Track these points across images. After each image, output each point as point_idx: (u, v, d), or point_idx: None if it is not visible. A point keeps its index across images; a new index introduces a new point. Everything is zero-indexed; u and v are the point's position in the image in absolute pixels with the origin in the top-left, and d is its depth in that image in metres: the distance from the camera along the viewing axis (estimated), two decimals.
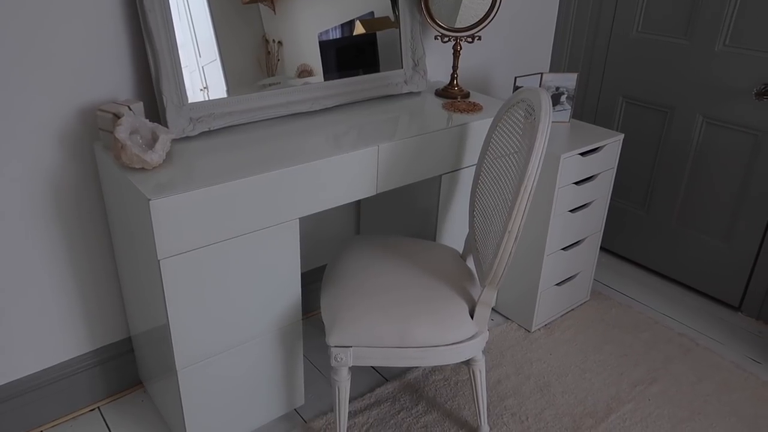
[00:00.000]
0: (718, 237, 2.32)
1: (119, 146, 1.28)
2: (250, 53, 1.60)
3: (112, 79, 1.50)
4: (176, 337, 1.38)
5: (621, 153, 2.56)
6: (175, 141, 1.49)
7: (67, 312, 1.64)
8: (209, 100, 1.53)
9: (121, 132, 1.28)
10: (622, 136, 2.08)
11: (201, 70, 1.52)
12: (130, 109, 1.38)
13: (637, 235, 2.59)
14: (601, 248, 2.76)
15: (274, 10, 1.62)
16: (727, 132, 2.20)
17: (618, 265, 2.64)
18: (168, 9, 1.43)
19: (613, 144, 2.05)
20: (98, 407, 1.77)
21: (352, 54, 1.80)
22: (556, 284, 2.15)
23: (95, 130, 1.52)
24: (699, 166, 2.32)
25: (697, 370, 2.00)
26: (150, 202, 1.20)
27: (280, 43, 1.65)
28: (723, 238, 2.31)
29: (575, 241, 2.13)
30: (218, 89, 1.55)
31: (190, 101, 1.49)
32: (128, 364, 1.80)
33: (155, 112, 1.58)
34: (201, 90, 1.52)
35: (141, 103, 1.43)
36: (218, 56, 1.54)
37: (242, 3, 1.56)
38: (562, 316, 2.26)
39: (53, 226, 1.53)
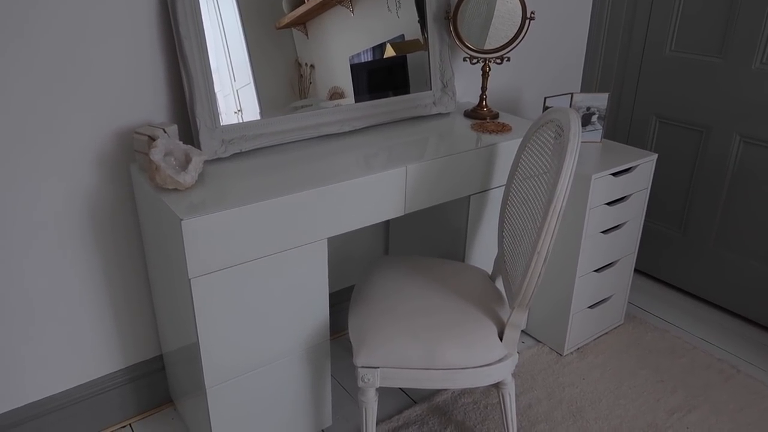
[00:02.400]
0: (758, 258, 2.24)
1: (154, 168, 1.32)
2: (283, 77, 1.63)
3: (148, 102, 1.55)
4: (205, 355, 1.40)
5: (655, 173, 2.52)
6: (207, 162, 1.53)
7: (101, 329, 1.68)
8: (241, 123, 1.56)
9: (156, 154, 1.32)
10: (656, 155, 2.04)
11: (235, 94, 1.56)
12: (165, 132, 1.42)
13: (673, 257, 2.52)
14: (636, 270, 2.70)
15: (306, 35, 1.65)
16: (764, 151, 2.15)
17: (654, 288, 2.57)
18: (203, 35, 1.47)
19: (646, 164, 2.02)
20: (129, 424, 1.79)
21: (382, 76, 1.83)
22: (589, 307, 2.11)
23: (131, 152, 1.57)
24: (737, 186, 2.26)
25: (739, 398, 1.92)
26: (182, 221, 1.23)
27: (312, 66, 1.68)
28: (763, 259, 2.23)
29: (608, 263, 2.09)
30: (252, 112, 1.58)
31: (222, 124, 1.53)
32: (159, 382, 1.83)
33: (189, 135, 1.62)
34: (235, 113, 1.55)
35: (175, 126, 1.47)
36: (252, 80, 1.58)
37: (276, 28, 1.60)
38: (595, 339, 2.20)
39: (89, 244, 1.58)
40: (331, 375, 2.01)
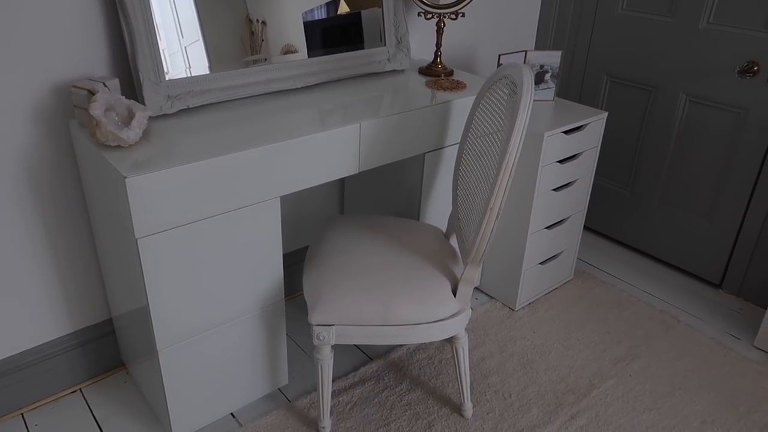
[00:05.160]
0: (701, 215, 2.34)
1: (94, 123, 1.26)
2: (233, 33, 1.56)
3: (86, 55, 1.46)
4: (156, 317, 1.37)
5: (605, 132, 2.56)
6: (152, 119, 1.46)
7: (46, 294, 1.62)
8: (188, 78, 1.50)
9: (96, 109, 1.25)
10: (606, 114, 2.08)
11: (183, 51, 1.49)
12: (106, 86, 1.35)
13: (620, 214, 2.60)
14: (585, 227, 2.77)
15: None
16: (710, 110, 2.21)
17: (601, 244, 2.65)
18: None
19: (596, 122, 2.05)
20: (80, 389, 1.76)
21: (336, 33, 1.78)
22: (540, 263, 2.16)
23: (70, 107, 1.48)
24: (682, 145, 2.32)
25: (678, 347, 2.02)
26: (126, 179, 1.18)
27: (263, 23, 1.62)
28: (705, 216, 2.32)
29: (559, 220, 2.14)
30: (201, 69, 1.52)
31: (168, 78, 1.46)
32: (110, 346, 1.79)
33: (132, 90, 1.55)
34: (184, 71, 1.49)
35: (116, 80, 1.40)
36: (201, 36, 1.51)
37: None
38: (545, 294, 2.27)
39: (28, 205, 1.51)
40: (287, 335, 2.01)
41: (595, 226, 2.72)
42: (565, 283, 2.35)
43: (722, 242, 2.29)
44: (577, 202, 2.17)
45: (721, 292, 2.35)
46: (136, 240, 1.25)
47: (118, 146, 1.30)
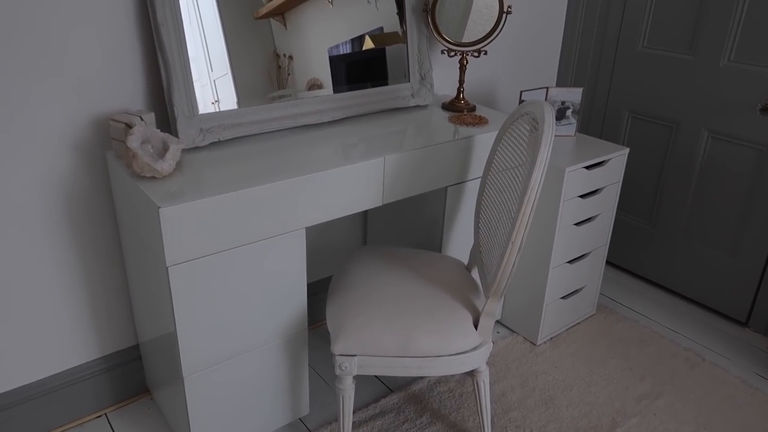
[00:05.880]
0: (725, 251, 2.32)
1: (131, 155, 1.31)
2: (261, 67, 1.63)
3: (125, 90, 1.53)
4: (183, 343, 1.40)
5: (627, 167, 2.57)
6: (185, 151, 1.52)
7: (77, 318, 1.67)
8: (219, 112, 1.56)
9: (133, 141, 1.31)
10: (628, 150, 2.09)
11: (212, 84, 1.55)
12: (142, 120, 1.42)
13: (643, 249, 2.59)
14: (607, 262, 2.76)
15: (285, 25, 1.65)
16: (732, 146, 2.21)
17: (624, 279, 2.64)
18: (180, 22, 1.46)
19: (618, 158, 2.07)
20: (105, 414, 1.78)
21: (361, 68, 1.84)
22: (562, 297, 2.16)
23: (108, 139, 1.55)
24: (705, 181, 2.32)
25: (703, 385, 1.99)
26: (159, 209, 1.23)
27: (290, 57, 1.68)
28: (729, 252, 2.30)
29: (581, 255, 2.14)
30: (229, 102, 1.58)
31: (200, 112, 1.52)
32: (136, 371, 1.82)
33: (166, 123, 1.61)
34: (212, 103, 1.55)
35: (152, 114, 1.46)
36: (230, 70, 1.58)
37: (254, 18, 1.60)
38: (567, 329, 2.25)
39: (64, 232, 1.56)
40: (309, 365, 2.02)
41: (617, 261, 2.71)
42: (588, 318, 2.33)
43: (748, 279, 2.26)
44: (599, 236, 2.17)
45: (748, 330, 2.31)
46: (167, 268, 1.29)
47: (153, 177, 1.36)
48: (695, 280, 2.44)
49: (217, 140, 1.55)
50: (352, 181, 1.52)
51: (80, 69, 1.45)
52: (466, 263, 1.96)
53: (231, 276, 1.41)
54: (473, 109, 2.00)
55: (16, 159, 1.43)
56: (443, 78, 2.23)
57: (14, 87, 1.37)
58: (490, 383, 1.88)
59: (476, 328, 1.50)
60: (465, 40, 1.94)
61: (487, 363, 2.04)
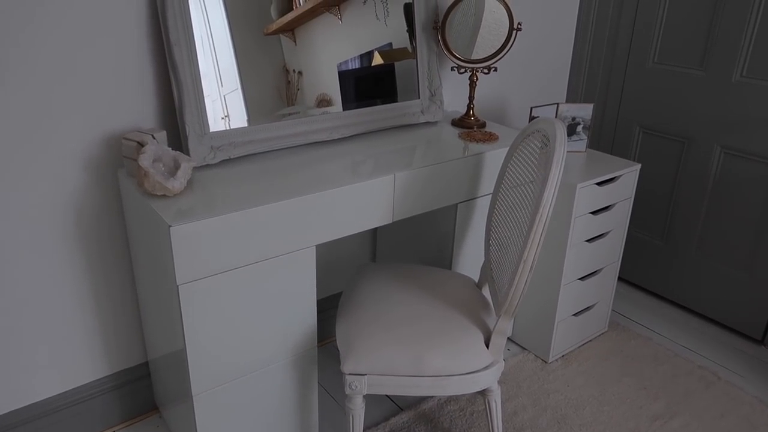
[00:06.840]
0: (740, 267, 2.29)
1: (142, 173, 1.32)
2: (271, 83, 1.64)
3: (136, 108, 1.54)
4: (193, 361, 1.39)
5: (638, 183, 2.56)
6: (196, 169, 1.53)
7: (86, 336, 1.66)
8: (230, 129, 1.57)
9: (145, 160, 1.32)
10: (639, 166, 2.08)
11: (222, 99, 1.56)
12: (154, 138, 1.42)
13: (656, 265, 2.56)
14: (620, 279, 2.73)
15: (294, 41, 1.66)
16: (745, 162, 2.19)
17: (637, 295, 2.61)
18: (193, 41, 1.47)
19: (629, 174, 2.05)
20: (113, 431, 1.78)
21: (370, 84, 1.84)
22: (574, 314, 2.13)
23: (119, 157, 1.56)
24: (718, 196, 2.30)
25: (719, 405, 1.95)
26: (171, 228, 1.23)
27: (300, 73, 1.69)
28: (745, 268, 2.27)
29: (592, 271, 2.12)
30: (239, 118, 1.59)
31: (211, 130, 1.53)
32: (145, 389, 1.81)
33: (177, 141, 1.62)
34: (222, 118, 1.56)
35: (164, 132, 1.47)
36: (239, 86, 1.59)
37: (264, 34, 1.61)
38: (579, 347, 2.23)
39: (75, 250, 1.57)
40: (318, 383, 2.01)
41: (630, 277, 2.68)
42: (600, 335, 2.31)
43: (764, 295, 2.23)
44: (611, 253, 2.15)
45: (764, 348, 2.28)
46: (178, 286, 1.29)
47: (164, 195, 1.36)
48: (710, 296, 2.40)
49: (227, 158, 1.56)
50: (363, 199, 1.51)
51: (93, 87, 1.46)
52: (476, 281, 1.95)
53: (241, 294, 1.41)
54: (483, 125, 1.99)
55: (29, 176, 1.44)
56: (453, 94, 2.23)
57: (28, 106, 1.39)
58: (501, 402, 1.86)
59: (488, 347, 1.48)
60: (475, 56, 1.94)
61: (499, 381, 2.02)
